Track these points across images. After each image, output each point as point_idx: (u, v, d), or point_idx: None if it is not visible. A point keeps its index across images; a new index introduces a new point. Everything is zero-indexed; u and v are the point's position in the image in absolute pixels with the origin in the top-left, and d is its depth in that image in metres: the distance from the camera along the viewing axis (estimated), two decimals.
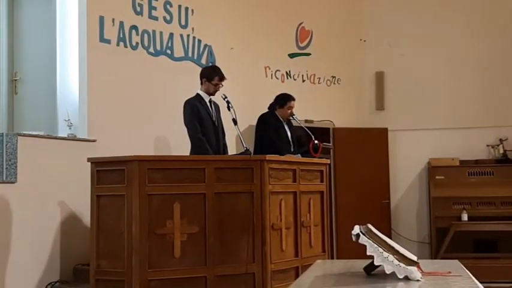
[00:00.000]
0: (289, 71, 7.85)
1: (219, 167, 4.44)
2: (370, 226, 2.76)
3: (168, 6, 6.30)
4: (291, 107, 5.95)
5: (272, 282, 4.47)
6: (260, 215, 4.45)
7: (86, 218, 4.84)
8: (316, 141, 5.54)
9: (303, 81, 7.96)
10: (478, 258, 7.14)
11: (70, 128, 5.38)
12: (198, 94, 5.38)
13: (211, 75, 5.36)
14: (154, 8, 6.14)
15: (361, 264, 2.82)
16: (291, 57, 7.91)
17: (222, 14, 6.95)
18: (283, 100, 5.96)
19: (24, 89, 5.74)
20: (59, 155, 5.12)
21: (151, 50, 6.09)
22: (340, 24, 8.23)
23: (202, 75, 5.41)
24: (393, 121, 8.11)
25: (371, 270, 2.71)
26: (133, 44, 5.90)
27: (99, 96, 5.53)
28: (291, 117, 5.98)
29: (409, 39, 8.23)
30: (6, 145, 4.62)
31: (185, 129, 5.29)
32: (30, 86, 5.74)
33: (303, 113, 6.53)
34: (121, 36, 5.77)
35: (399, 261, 2.56)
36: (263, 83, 7.45)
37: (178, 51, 6.41)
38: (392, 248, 2.62)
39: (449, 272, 2.73)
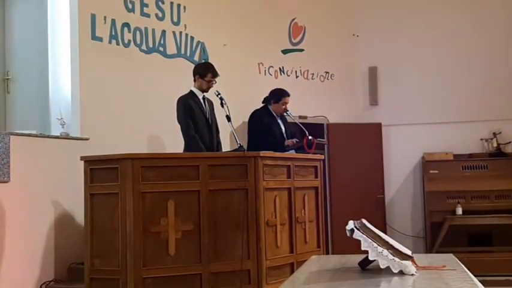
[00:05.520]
0: (283, 67, 7.84)
1: (212, 164, 4.43)
2: (364, 221, 2.76)
3: (160, 3, 6.27)
4: (286, 103, 5.92)
5: (267, 278, 4.47)
6: (255, 211, 4.45)
7: (80, 216, 4.82)
8: (310, 137, 5.54)
9: (297, 77, 7.95)
10: (472, 251, 7.15)
11: (63, 127, 5.35)
12: (191, 91, 5.37)
13: (204, 72, 5.36)
14: (146, 5, 6.12)
15: (356, 259, 2.82)
16: (284, 53, 7.89)
17: (214, 11, 6.93)
18: (278, 96, 5.93)
19: (16, 88, 5.70)
20: (52, 153, 5.10)
21: (143, 47, 6.07)
22: (332, 20, 8.22)
23: (195, 72, 5.41)
24: (387, 116, 8.11)
25: (366, 265, 2.71)
26: (126, 41, 5.88)
27: (92, 95, 5.50)
28: (285, 113, 5.97)
29: (402, 34, 8.23)
30: None
31: (179, 126, 5.29)
32: (22, 85, 5.70)
33: (296, 109, 6.52)
34: (113, 33, 5.75)
35: (394, 255, 2.56)
36: (256, 79, 7.44)
37: (171, 49, 6.39)
38: (387, 242, 2.62)
39: (444, 266, 2.73)
